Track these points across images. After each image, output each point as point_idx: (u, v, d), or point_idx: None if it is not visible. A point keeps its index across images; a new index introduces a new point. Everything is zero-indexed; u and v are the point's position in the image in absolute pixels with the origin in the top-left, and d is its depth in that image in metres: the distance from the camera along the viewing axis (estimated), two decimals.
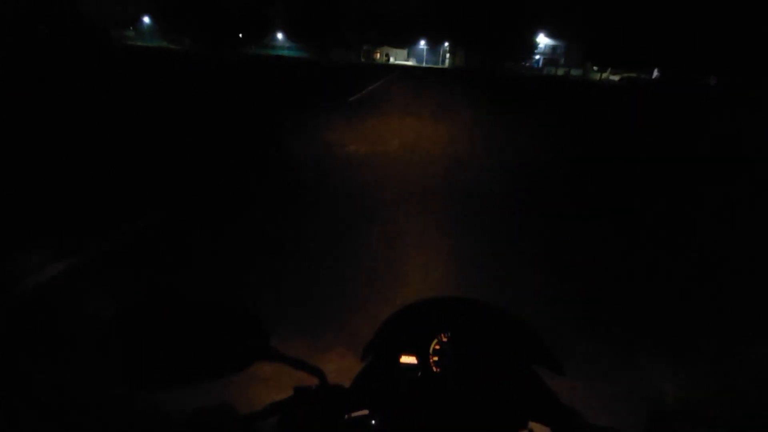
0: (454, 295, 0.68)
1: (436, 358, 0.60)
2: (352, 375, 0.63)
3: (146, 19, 63.93)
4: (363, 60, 68.53)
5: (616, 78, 43.67)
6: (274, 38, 71.22)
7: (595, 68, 54.03)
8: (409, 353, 0.61)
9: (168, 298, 0.55)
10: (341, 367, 1.71)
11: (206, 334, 0.53)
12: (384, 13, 66.23)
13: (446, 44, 68.92)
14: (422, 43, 70.72)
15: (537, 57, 66.92)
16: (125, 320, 0.51)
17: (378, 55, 70.50)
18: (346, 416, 0.54)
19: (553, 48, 66.98)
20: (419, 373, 0.59)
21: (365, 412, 0.54)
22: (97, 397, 1.45)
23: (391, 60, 69.90)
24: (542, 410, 0.55)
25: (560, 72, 58.85)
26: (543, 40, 65.14)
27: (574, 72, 58.10)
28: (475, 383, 0.57)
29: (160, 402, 1.03)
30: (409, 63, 70.36)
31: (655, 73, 39.80)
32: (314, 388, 0.54)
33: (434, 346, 0.61)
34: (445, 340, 0.62)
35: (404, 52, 72.46)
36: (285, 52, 69.74)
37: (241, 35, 65.87)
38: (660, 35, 33.54)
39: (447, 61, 70.09)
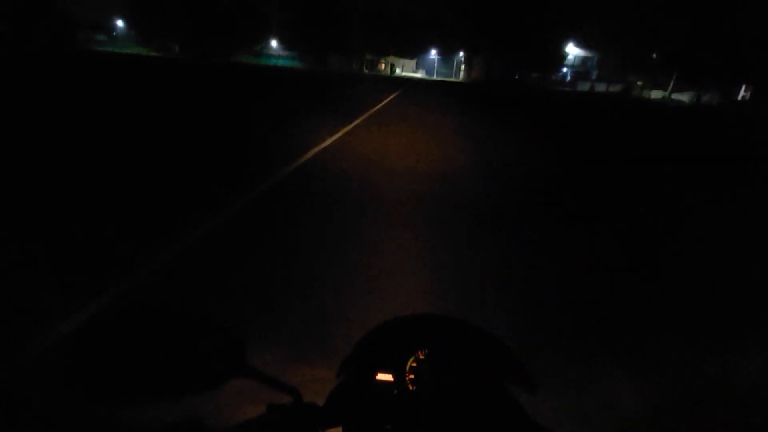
0: (433, 313, 0.68)
1: (412, 376, 0.60)
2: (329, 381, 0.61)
3: (120, 23, 56.24)
4: (366, 71, 60.50)
5: (684, 99, 34.44)
6: (268, 45, 63.46)
7: (639, 83, 45.20)
8: (385, 370, 0.60)
9: (139, 311, 0.53)
10: None
11: (179, 348, 0.52)
12: (390, 17, 58.34)
13: (461, 54, 60.61)
14: (433, 53, 62.45)
15: (564, 70, 58.39)
16: (91, 333, 0.50)
17: (383, 65, 62.35)
18: None
19: (584, 60, 58.41)
20: (395, 391, 0.58)
21: (339, 429, 0.54)
22: (63, 414, 1.43)
23: (398, 71, 61.65)
24: (516, 429, 0.56)
25: (610, 89, 48.27)
26: (572, 51, 56.69)
27: (608, 88, 49.07)
28: (451, 402, 0.57)
29: (128, 418, 1.11)
30: (418, 75, 62.10)
31: (742, 92, 30.94)
32: (288, 406, 0.53)
33: (411, 363, 0.61)
34: (422, 357, 0.62)
35: (412, 62, 64.21)
36: (280, 62, 62.08)
37: (232, 42, 58.34)
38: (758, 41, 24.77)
39: (462, 73, 61.69)
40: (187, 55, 53.70)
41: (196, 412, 0.45)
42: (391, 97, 16.00)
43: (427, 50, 61.97)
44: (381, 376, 0.60)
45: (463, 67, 61.28)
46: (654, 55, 35.81)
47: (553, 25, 48.38)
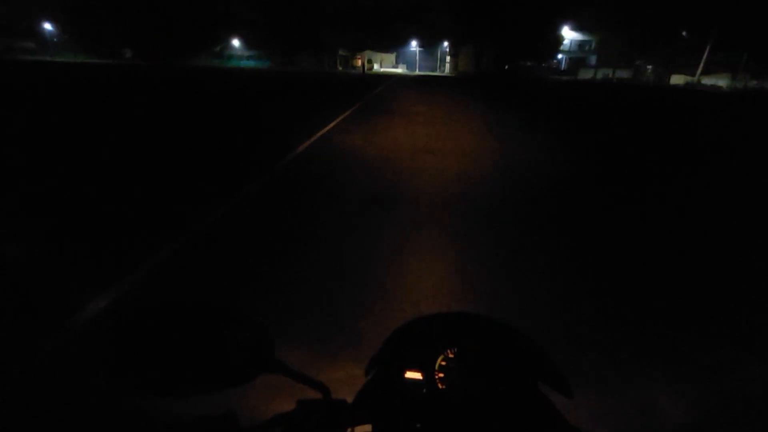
0: (462, 311, 0.68)
1: (441, 375, 0.59)
2: (356, 381, 0.61)
3: (48, 27, 48.61)
4: (340, 68, 53.97)
5: (721, 84, 28.50)
6: (229, 46, 56.45)
7: (648, 67, 39.56)
8: (414, 369, 0.60)
9: (175, 306, 0.54)
10: None
11: (212, 344, 0.53)
12: (365, 9, 51.77)
13: (445, 45, 54.43)
14: (414, 45, 56.09)
15: (560, 56, 52.69)
16: (129, 327, 0.52)
17: (359, 61, 55.79)
18: (349, 430, 0.54)
19: (581, 44, 52.76)
20: (424, 390, 0.58)
21: (368, 427, 0.53)
22: (97, 402, 1.44)
23: (375, 67, 55.18)
24: (548, 430, 0.55)
25: (616, 75, 41.09)
26: (566, 35, 50.93)
27: (619, 74, 43.19)
28: (481, 401, 0.56)
29: (163, 410, 1.12)
30: (399, 70, 55.72)
31: None
32: (318, 402, 0.54)
33: (440, 362, 0.60)
34: (451, 356, 0.61)
35: (392, 56, 57.79)
36: (242, 63, 55.27)
37: (191, 44, 51.33)
38: None
39: (447, 66, 55.51)
40: (143, 61, 46.69)
41: (229, 406, 0.48)
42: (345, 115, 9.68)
43: (407, 43, 55.58)
44: (410, 375, 0.58)
45: (448, 59, 55.08)
46: (684, 33, 30.04)
47: (546, 7, 42.49)
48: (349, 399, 0.57)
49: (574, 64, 52.57)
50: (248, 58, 56.77)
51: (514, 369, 0.59)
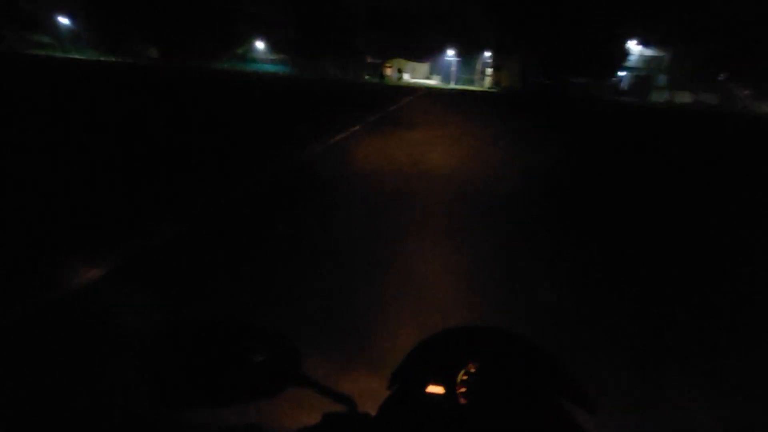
0: (484, 324, 0.68)
1: (463, 389, 0.58)
2: (378, 394, 0.62)
3: (64, 21, 46.53)
4: (367, 77, 48.93)
5: None
6: (253, 48, 52.92)
7: (746, 92, 31.77)
8: (436, 383, 0.59)
9: (201, 322, 0.56)
10: None
11: (238, 358, 0.54)
12: (397, 13, 46.57)
13: (487, 55, 48.18)
14: (450, 54, 50.18)
15: (622, 74, 45.09)
16: (159, 342, 0.54)
17: (389, 70, 50.51)
18: None
19: (648, 60, 44.93)
20: (446, 404, 0.57)
21: None
22: (123, 415, 1.44)
23: (405, 77, 49.71)
24: None
25: (700, 99, 33.97)
26: (631, 49, 43.36)
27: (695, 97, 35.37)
28: (503, 416, 0.56)
29: (189, 422, 1.17)
30: (432, 82, 49.96)
31: None
32: (343, 415, 0.54)
33: (462, 376, 0.59)
34: (473, 370, 0.60)
35: (425, 66, 52.13)
36: (267, 67, 51.52)
37: (216, 45, 48.27)
38: None
39: (487, 80, 49.16)
40: (171, 62, 44.02)
41: (254, 419, 0.50)
42: None
43: (442, 52, 49.75)
44: (432, 389, 0.58)
45: (489, 71, 48.75)
46: None
47: (610, 14, 35.59)
48: (374, 412, 0.56)
49: (639, 83, 44.81)
50: (271, 62, 52.99)
51: (537, 384, 0.58)
